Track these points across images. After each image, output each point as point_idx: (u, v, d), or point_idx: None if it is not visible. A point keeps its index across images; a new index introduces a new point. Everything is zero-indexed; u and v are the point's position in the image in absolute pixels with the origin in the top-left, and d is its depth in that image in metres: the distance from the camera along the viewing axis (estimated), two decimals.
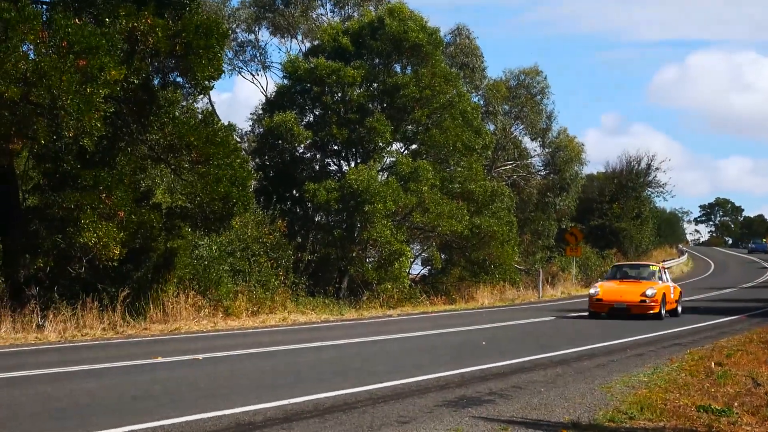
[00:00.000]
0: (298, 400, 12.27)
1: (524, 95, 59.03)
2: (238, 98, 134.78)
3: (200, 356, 18.18)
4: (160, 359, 17.54)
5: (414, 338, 23.95)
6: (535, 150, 62.69)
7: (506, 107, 58.69)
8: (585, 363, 17.65)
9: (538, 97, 59.81)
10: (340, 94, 41.60)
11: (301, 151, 42.76)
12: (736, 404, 12.94)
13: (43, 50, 21.39)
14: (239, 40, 53.61)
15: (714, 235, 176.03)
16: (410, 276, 43.39)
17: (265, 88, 51.57)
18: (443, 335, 24.91)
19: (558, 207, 61.29)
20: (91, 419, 10.73)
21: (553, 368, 16.62)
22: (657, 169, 78.57)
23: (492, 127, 54.38)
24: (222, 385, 14.27)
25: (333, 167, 43.52)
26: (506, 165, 58.95)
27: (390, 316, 33.91)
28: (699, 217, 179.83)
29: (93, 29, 22.02)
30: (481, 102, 54.58)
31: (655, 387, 14.33)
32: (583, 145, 62.83)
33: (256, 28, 52.96)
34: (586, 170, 67.52)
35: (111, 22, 23.05)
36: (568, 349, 20.18)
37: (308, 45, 49.23)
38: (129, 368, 16.48)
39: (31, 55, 21.46)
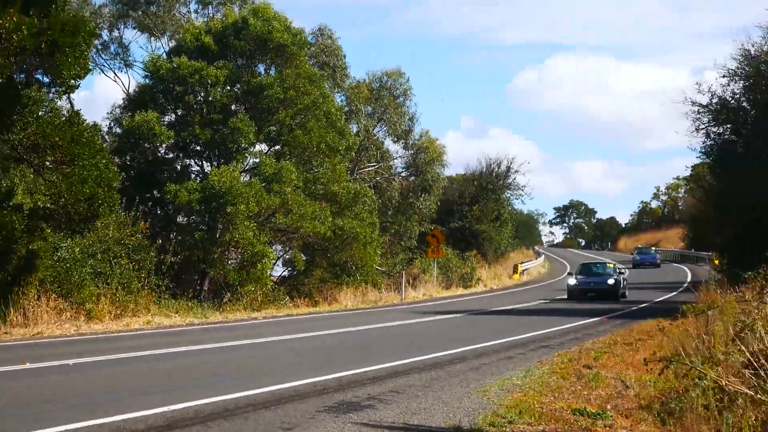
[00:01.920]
0: (179, 406, 12.16)
1: (387, 97, 59.23)
2: (98, 96, 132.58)
3: (71, 361, 17.80)
4: (28, 365, 17.16)
5: (285, 341, 23.87)
6: (397, 152, 63.09)
7: (369, 109, 58.84)
8: (458, 366, 17.78)
9: (401, 98, 60.14)
10: (203, 94, 41.25)
11: (163, 151, 42.24)
12: (609, 407, 13.19)
13: None
14: (103, 39, 52.74)
15: (568, 236, 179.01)
16: (272, 278, 43.17)
17: (127, 87, 50.84)
18: (313, 338, 24.85)
19: (419, 209, 61.61)
20: None
21: (427, 372, 16.72)
22: (516, 171, 79.63)
23: (355, 129, 54.48)
24: (98, 392, 14.01)
25: (195, 168, 43.16)
26: (369, 167, 59.12)
27: (255, 318, 33.71)
28: (554, 219, 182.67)
29: None
30: (344, 103, 54.63)
31: (530, 390, 14.52)
32: (444, 147, 63.49)
33: (120, 26, 52.21)
34: (447, 172, 68.14)
35: None
36: (439, 352, 20.29)
37: (172, 44, 48.61)
38: None
39: None
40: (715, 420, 11.52)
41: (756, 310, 13.24)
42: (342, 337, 25.36)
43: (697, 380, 12.25)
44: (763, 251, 31.88)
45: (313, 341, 24.14)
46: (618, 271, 49.10)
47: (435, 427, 11.30)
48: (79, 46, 24.16)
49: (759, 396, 11.16)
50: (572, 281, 47.86)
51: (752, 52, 41.24)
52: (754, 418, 10.86)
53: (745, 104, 43.04)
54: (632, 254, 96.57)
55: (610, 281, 46.09)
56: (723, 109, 42.64)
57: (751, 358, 11.93)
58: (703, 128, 43.21)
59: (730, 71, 41.73)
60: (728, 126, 43.51)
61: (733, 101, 42.79)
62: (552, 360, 19.04)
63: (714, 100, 42.60)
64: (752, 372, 11.76)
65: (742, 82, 42.17)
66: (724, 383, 11.71)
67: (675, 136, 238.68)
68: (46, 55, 23.89)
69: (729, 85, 42.37)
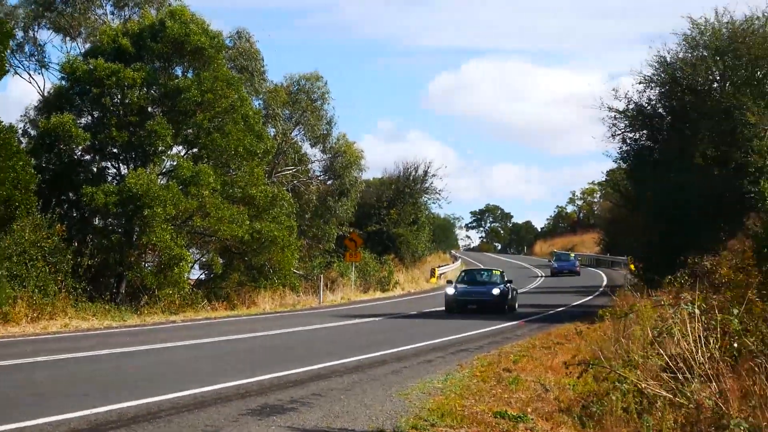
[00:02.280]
0: (102, 410, 12.08)
1: (305, 100, 59.09)
2: (11, 98, 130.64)
3: None
4: None
5: (205, 345, 23.81)
6: (315, 155, 63.05)
7: (287, 112, 58.69)
8: (379, 369, 17.85)
9: (319, 102, 59.99)
10: (119, 96, 40.80)
11: (79, 153, 41.76)
12: (529, 410, 13.32)
13: None
14: (18, 39, 51.87)
15: (484, 240, 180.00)
16: (189, 281, 42.89)
17: (42, 89, 50.10)
18: (233, 342, 24.84)
19: (337, 212, 61.57)
20: None
21: (349, 375, 16.77)
22: (434, 175, 79.83)
23: (272, 132, 54.34)
24: (18, 395, 13.87)
25: (112, 170, 42.71)
26: (287, 170, 58.95)
27: (174, 322, 33.56)
28: (470, 223, 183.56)
29: None
30: (262, 106, 54.47)
31: (451, 393, 14.61)
32: (362, 151, 63.50)
33: (36, 27, 51.46)
34: (365, 176, 68.19)
35: None
36: (360, 355, 20.36)
37: (89, 46, 48.04)
38: None
39: None
40: (634, 423, 11.65)
41: (673, 315, 13.37)
42: (262, 341, 25.36)
43: (616, 383, 12.37)
44: (678, 256, 32.39)
45: (233, 344, 24.09)
46: (506, 280, 41.34)
47: (358, 431, 11.31)
48: None
49: (678, 399, 11.29)
50: (450, 290, 40.19)
51: (668, 59, 41.77)
52: (673, 421, 10.99)
53: (660, 110, 43.57)
54: (549, 261, 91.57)
55: (495, 291, 39.11)
56: (639, 115, 43.11)
57: (669, 362, 12.06)
58: (619, 134, 43.66)
59: (646, 78, 42.23)
60: (644, 132, 44.02)
61: (649, 107, 43.30)
62: (472, 363, 19.16)
63: (630, 106, 43.08)
64: (670, 375, 11.90)
65: (658, 88, 42.69)
66: (643, 386, 11.84)
67: (590, 141, 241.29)
68: None
69: (645, 91, 42.89)
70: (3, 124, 26.18)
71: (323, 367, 17.87)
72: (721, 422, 10.32)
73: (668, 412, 11.14)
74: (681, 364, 11.85)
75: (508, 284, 40.56)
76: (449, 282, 43.14)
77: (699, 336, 11.91)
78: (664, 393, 11.56)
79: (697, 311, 12.18)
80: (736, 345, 12.21)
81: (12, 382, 15.57)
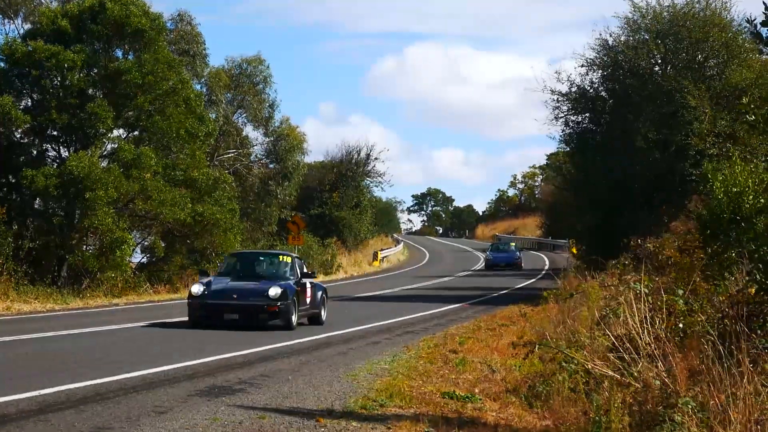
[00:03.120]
0: (50, 390, 12.01)
1: (247, 84, 58.94)
2: None
3: None
4: None
5: (149, 328, 23.67)
6: (257, 139, 62.88)
7: (229, 95, 58.47)
8: (325, 351, 17.90)
9: (261, 85, 59.89)
10: (59, 79, 40.38)
11: (19, 136, 41.32)
12: (477, 390, 13.39)
13: None
14: None
15: (426, 224, 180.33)
16: (131, 264, 42.60)
17: None
18: (178, 323, 24.45)
19: (279, 196, 61.45)
20: None
21: (295, 356, 16.83)
22: (376, 159, 79.84)
23: (214, 116, 54.06)
24: None
25: (52, 153, 42.29)
26: (228, 153, 58.77)
27: (117, 305, 33.50)
28: (412, 206, 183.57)
29: None
30: (204, 90, 54.19)
31: (398, 374, 14.65)
32: (305, 134, 63.43)
33: None
34: (307, 159, 68.08)
35: None
36: (305, 337, 20.35)
37: (28, 27, 47.51)
38: None
39: None
40: (582, 402, 11.71)
41: (620, 295, 13.45)
42: None
43: (563, 364, 12.44)
44: (620, 239, 32.62)
45: (177, 327, 23.73)
46: (304, 272, 24.94)
47: (307, 410, 11.38)
48: None
49: (625, 379, 11.35)
50: (198, 288, 23.49)
51: (610, 42, 42.03)
52: (620, 400, 11.04)
53: (603, 93, 43.86)
54: (485, 252, 72.63)
55: (273, 291, 22.25)
56: (581, 98, 43.35)
57: (615, 342, 12.12)
58: (562, 117, 43.86)
59: (589, 60, 42.48)
60: (587, 115, 44.26)
61: (591, 90, 43.57)
62: (418, 345, 19.23)
63: (573, 89, 43.30)
64: (616, 356, 11.96)
65: (600, 71, 42.97)
66: (590, 366, 11.90)
67: (531, 125, 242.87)
68: None
69: (587, 74, 43.15)
70: None
71: (269, 349, 17.90)
72: (669, 401, 10.37)
73: (616, 391, 11.18)
74: (627, 345, 11.90)
75: (307, 279, 25.14)
76: (202, 273, 28.24)
77: (645, 316, 11.96)
78: (611, 373, 11.61)
79: (644, 291, 12.23)
80: (681, 325, 12.27)
81: None
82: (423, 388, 13.39)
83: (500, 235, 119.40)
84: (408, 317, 27.28)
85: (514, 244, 59.24)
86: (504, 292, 40.98)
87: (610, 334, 12.49)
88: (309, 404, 11.80)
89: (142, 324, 24.30)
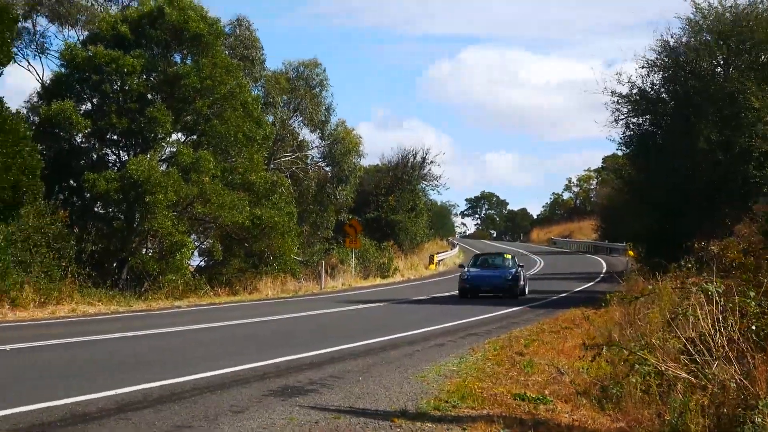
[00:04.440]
0: (126, 390, 12.09)
1: (303, 87, 59.05)
2: (9, 85, 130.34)
3: (7, 347, 17.71)
4: None
5: (214, 329, 23.85)
6: (313, 142, 62.95)
7: (285, 98, 58.58)
8: (392, 353, 17.80)
9: (317, 89, 59.95)
10: (119, 83, 40.73)
11: (80, 140, 41.72)
12: (547, 392, 13.26)
13: None
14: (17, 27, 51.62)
15: (480, 228, 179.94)
16: (190, 267, 42.84)
17: (41, 76, 49.88)
18: (242, 326, 24.78)
19: (337, 199, 61.52)
20: None
21: (362, 358, 16.74)
22: (431, 162, 79.61)
23: (271, 119, 54.25)
24: (41, 376, 13.91)
25: (112, 157, 42.66)
26: (285, 156, 58.90)
27: (179, 307, 33.64)
28: (465, 210, 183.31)
29: None
30: (261, 94, 54.36)
31: (467, 376, 14.55)
32: (360, 137, 63.37)
33: (34, 15, 51.15)
34: (363, 163, 67.91)
35: None
36: (370, 339, 20.30)
37: (87, 34, 47.89)
38: None
39: None
40: (656, 405, 11.56)
41: (690, 297, 13.29)
42: (270, 325, 25.39)
43: (636, 366, 12.30)
44: (682, 242, 32.27)
45: (242, 329, 24.06)
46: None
47: (381, 411, 11.32)
48: (2, 33, 23.85)
49: (699, 381, 11.20)
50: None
51: (671, 44, 41.63)
52: (694, 402, 10.89)
53: (664, 95, 43.37)
54: (462, 268, 43.85)
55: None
56: (642, 100, 42.90)
57: (687, 344, 11.97)
58: (622, 119, 43.43)
59: (650, 62, 42.04)
60: (647, 117, 43.79)
61: (652, 92, 43.10)
62: (483, 347, 19.10)
63: (633, 91, 42.88)
64: (688, 358, 11.81)
65: (661, 73, 42.52)
66: (664, 368, 11.76)
67: (586, 128, 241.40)
68: None
69: (648, 76, 42.69)
70: (9, 110, 26.11)
71: (336, 350, 17.82)
72: (749, 402, 10.22)
73: (691, 393, 11.04)
74: (700, 347, 11.74)
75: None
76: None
77: (717, 318, 11.80)
78: (685, 375, 11.46)
79: (716, 292, 12.08)
80: (754, 327, 12.09)
81: (30, 364, 15.55)
82: (493, 390, 13.29)
83: (555, 238, 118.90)
84: (469, 320, 27.11)
85: (510, 256, 42.27)
86: (563, 295, 40.67)
87: (681, 336, 12.33)
88: (382, 405, 11.74)
89: (206, 325, 24.49)
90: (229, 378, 13.69)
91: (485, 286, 38.67)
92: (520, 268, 40.13)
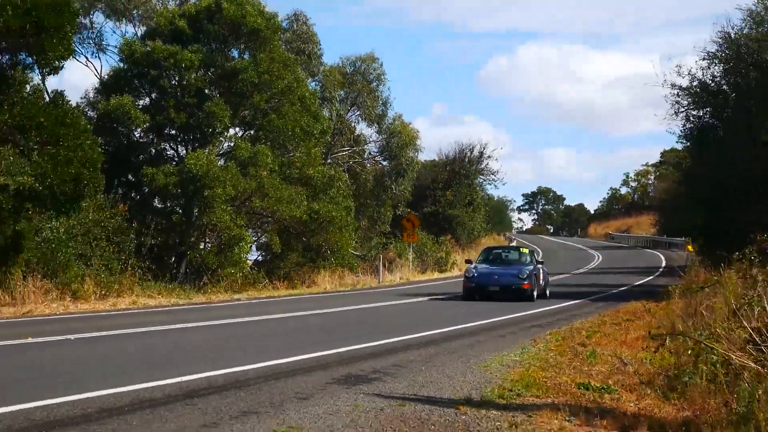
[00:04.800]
0: (191, 377, 12.19)
1: (360, 81, 59.06)
2: (68, 81, 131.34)
3: (72, 336, 17.87)
4: (30, 339, 17.19)
5: (275, 320, 23.95)
6: (371, 136, 62.93)
7: (342, 93, 58.65)
8: (453, 344, 17.77)
9: (375, 83, 59.93)
10: (177, 78, 40.88)
11: (138, 135, 41.97)
12: (611, 382, 13.14)
13: None
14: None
15: (537, 223, 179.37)
16: (247, 261, 42.99)
17: (99, 72, 50.24)
18: (302, 317, 24.89)
19: (394, 193, 61.46)
20: None
21: (425, 348, 16.74)
22: (489, 157, 79.32)
23: (328, 114, 54.29)
24: (107, 364, 14.10)
25: (170, 152, 42.89)
26: (342, 151, 58.96)
27: (239, 300, 33.84)
28: (522, 205, 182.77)
29: None
30: (318, 88, 54.40)
31: (530, 366, 14.50)
32: (418, 131, 63.21)
33: (92, 12, 51.54)
34: (420, 158, 67.73)
35: None
36: (431, 330, 20.28)
37: (144, 29, 48.22)
38: (2, 348, 16.13)
39: None
40: (723, 394, 11.42)
41: (756, 287, 13.12)
42: (329, 317, 25.44)
43: (703, 355, 12.17)
44: (744, 234, 31.87)
45: (302, 320, 24.17)
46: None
47: (446, 398, 11.29)
48: (63, 26, 24.05)
49: (766, 370, 11.07)
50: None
51: (732, 36, 41.11)
52: (762, 391, 10.76)
53: (725, 87, 42.85)
54: (468, 265, 35.99)
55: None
56: (703, 92, 42.42)
57: (753, 334, 11.84)
58: (682, 111, 42.97)
59: (710, 54, 41.54)
60: (708, 109, 43.29)
61: (713, 84, 42.59)
62: (545, 338, 19.02)
63: (694, 83, 42.38)
64: (754, 347, 11.67)
65: (722, 65, 41.98)
66: (732, 358, 11.62)
67: (644, 123, 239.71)
68: (32, 36, 23.74)
69: (709, 68, 42.16)
70: (70, 103, 26.37)
71: (398, 341, 17.84)
72: None
73: (758, 382, 10.90)
74: (766, 336, 11.62)
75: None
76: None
77: None
78: (752, 364, 11.31)
79: None
80: None
81: (96, 353, 15.80)
82: (557, 379, 13.21)
83: (613, 233, 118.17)
84: (530, 312, 27.01)
85: (528, 250, 36.57)
86: (623, 288, 40.42)
87: (747, 326, 12.19)
88: (446, 393, 11.70)
89: (267, 317, 24.61)
90: (292, 367, 13.73)
91: (493, 285, 32.31)
92: (539, 266, 34.23)
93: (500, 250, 37.71)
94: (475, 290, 32.49)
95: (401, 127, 61.44)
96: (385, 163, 62.62)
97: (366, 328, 21.41)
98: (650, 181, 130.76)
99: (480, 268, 33.63)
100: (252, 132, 43.80)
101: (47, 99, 26.94)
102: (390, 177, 61.37)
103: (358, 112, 60.36)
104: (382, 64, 60.51)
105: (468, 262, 36.29)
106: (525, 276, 31.99)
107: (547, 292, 34.42)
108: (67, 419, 9.20)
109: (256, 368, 13.37)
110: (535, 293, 32.10)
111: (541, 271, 33.99)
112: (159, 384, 11.48)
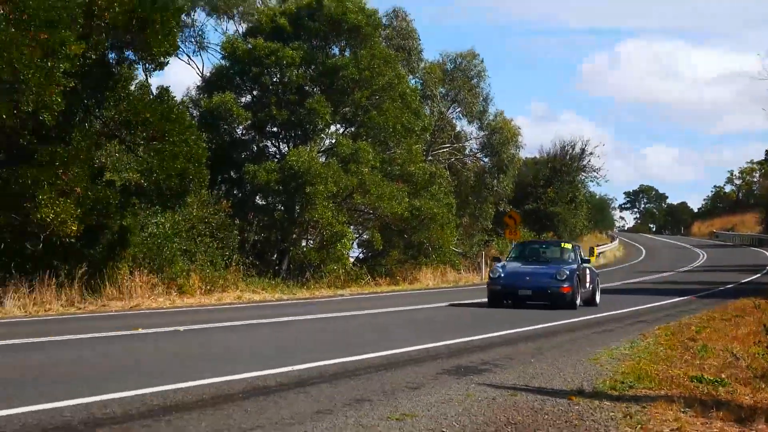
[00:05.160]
0: (302, 366, 12.22)
1: (461, 78, 58.86)
2: (170, 80, 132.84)
3: (181, 328, 18.15)
4: (141, 330, 17.49)
5: (381, 314, 24.09)
6: (471, 133, 62.70)
7: (443, 90, 58.51)
8: (560, 337, 17.70)
9: (475, 80, 59.68)
10: (278, 75, 41.10)
11: (240, 132, 42.28)
12: (724, 375, 12.84)
13: (3, 23, 20.87)
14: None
15: (639, 221, 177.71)
16: (349, 258, 43.11)
17: (201, 70, 50.74)
18: (408, 312, 25.06)
19: (495, 189, 61.18)
20: (103, 384, 10.39)
21: (532, 341, 16.70)
22: (591, 153, 78.72)
23: (429, 110, 54.21)
24: (217, 354, 14.41)
25: (272, 149, 43.16)
26: (443, 148, 58.82)
27: (342, 295, 34.03)
28: (624, 203, 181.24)
29: (53, 2, 21.73)
30: (419, 85, 54.33)
31: (641, 359, 14.30)
32: (519, 128, 62.80)
33: (194, 10, 52.10)
34: (521, 155, 67.34)
35: None
36: (538, 324, 20.14)
37: (245, 26, 48.62)
38: (116, 338, 16.52)
39: None
40: None
41: None
42: (434, 311, 25.55)
43: None
44: None
45: (409, 314, 24.29)
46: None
47: (557, 389, 11.13)
48: (168, 22, 24.36)
49: None
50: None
51: None
52: None
53: None
54: (498, 260, 29.92)
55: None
56: None
57: None
58: None
59: None
60: None
61: None
62: (654, 333, 18.77)
63: None
64: None
65: None
66: None
67: (747, 120, 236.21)
68: (137, 32, 24.10)
69: None
70: (175, 99, 26.72)
71: (505, 334, 17.75)
72: None
73: None
74: None
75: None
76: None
77: None
78: None
79: None
80: None
81: (207, 343, 16.21)
82: (669, 372, 12.95)
83: (718, 231, 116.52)
84: (636, 308, 26.70)
85: (570, 246, 29.63)
86: (730, 286, 39.83)
87: None
88: (556, 384, 11.53)
89: (372, 311, 24.80)
90: (401, 358, 13.73)
91: (524, 287, 26.02)
92: (585, 265, 27.60)
93: (537, 245, 30.92)
94: (502, 294, 26.31)
95: (502, 124, 61.08)
96: (486, 160, 62.35)
97: (471, 322, 21.54)
98: (755, 179, 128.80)
99: (509, 267, 27.03)
100: (353, 129, 43.86)
101: (152, 95, 27.26)
102: (491, 174, 61.08)
103: (459, 109, 60.18)
104: (482, 61, 60.33)
105: (496, 260, 29.30)
106: (564, 277, 25.71)
107: (597, 299, 28.33)
108: (182, 404, 9.29)
109: (365, 359, 13.39)
110: (578, 299, 26.05)
111: (588, 271, 27.83)
112: (270, 373, 11.52)
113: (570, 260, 27.33)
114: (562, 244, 29.80)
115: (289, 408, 9.27)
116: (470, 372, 12.32)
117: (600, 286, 29.27)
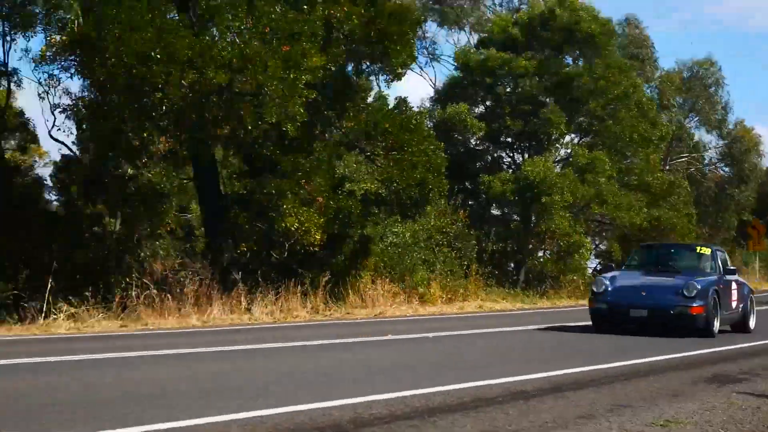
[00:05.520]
0: (557, 373, 12.14)
1: (698, 86, 57.59)
2: (402, 91, 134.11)
3: (430, 335, 18.43)
4: (390, 336, 17.96)
5: None
6: (710, 143, 61.26)
7: (679, 99, 57.35)
8: None
9: (713, 88, 58.29)
10: (512, 86, 40.94)
11: (475, 142, 42.25)
12: None
13: (247, 36, 21.52)
14: None
15: None
16: (588, 268, 42.57)
17: (433, 81, 51.09)
18: None
19: (737, 199, 59.51)
20: (364, 386, 10.61)
21: None
22: None
23: (666, 119, 53.17)
24: (475, 359, 14.71)
25: (507, 159, 43.03)
26: (681, 157, 57.63)
27: (584, 305, 33.31)
28: None
29: (295, 16, 22.35)
30: (655, 94, 53.37)
31: None
32: (760, 136, 61.20)
33: (426, 22, 52.59)
34: (764, 163, 65.29)
35: (309, 9, 23.05)
36: None
37: (475, 37, 48.76)
38: (369, 344, 16.97)
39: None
40: None
41: None
42: None
43: None
44: None
45: None
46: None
47: None
48: (405, 34, 24.74)
49: None
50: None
51: None
52: None
53: None
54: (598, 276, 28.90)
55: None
56: None
57: None
58: None
59: None
60: None
61: None
62: None
63: None
64: None
65: None
66: None
67: None
68: (375, 44, 24.54)
69: None
70: (413, 109, 27.10)
71: (756, 345, 17.23)
72: None
73: None
74: None
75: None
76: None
77: None
78: None
79: None
80: None
81: (457, 351, 16.33)
82: None
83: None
84: None
85: (709, 251, 21.39)
86: None
87: None
88: None
89: None
90: (658, 365, 13.61)
91: (638, 306, 18.99)
92: (728, 277, 20.76)
93: (665, 249, 23.59)
94: (607, 315, 19.48)
95: (743, 132, 59.45)
96: (726, 169, 60.76)
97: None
98: None
99: (620, 279, 20.22)
100: (588, 138, 43.25)
101: (389, 106, 27.60)
102: (732, 184, 59.46)
103: (697, 118, 58.86)
104: (720, 68, 58.91)
105: (607, 269, 23.11)
106: (695, 293, 18.63)
107: (751, 323, 21.54)
108: (445, 406, 9.32)
109: (616, 366, 13.26)
110: (715, 324, 19.07)
111: (733, 286, 20.74)
112: (527, 378, 11.51)
113: (706, 270, 20.54)
114: (698, 248, 22.44)
115: (550, 412, 9.16)
116: (729, 381, 12.07)
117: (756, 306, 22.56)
